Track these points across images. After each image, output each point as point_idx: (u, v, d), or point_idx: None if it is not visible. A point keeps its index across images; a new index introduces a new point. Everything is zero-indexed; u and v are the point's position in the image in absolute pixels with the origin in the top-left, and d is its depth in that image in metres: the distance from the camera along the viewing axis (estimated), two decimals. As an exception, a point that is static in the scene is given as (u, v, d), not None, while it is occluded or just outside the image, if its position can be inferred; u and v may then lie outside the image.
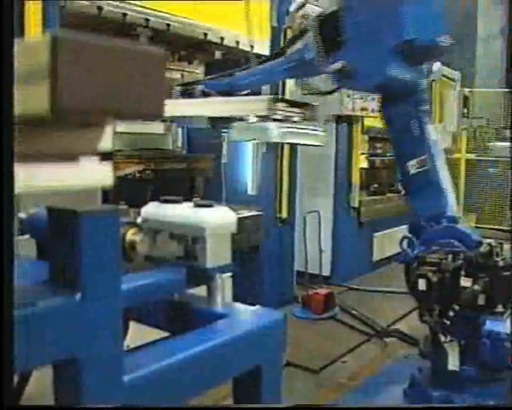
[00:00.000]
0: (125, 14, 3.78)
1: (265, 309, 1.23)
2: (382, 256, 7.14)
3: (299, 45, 3.10)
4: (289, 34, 5.21)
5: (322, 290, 5.47)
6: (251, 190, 5.27)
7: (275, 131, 3.39)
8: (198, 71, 4.89)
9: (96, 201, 2.99)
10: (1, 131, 0.79)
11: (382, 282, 6.29)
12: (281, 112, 3.40)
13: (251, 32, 4.20)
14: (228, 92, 3.76)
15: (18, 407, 1.02)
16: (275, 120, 3.40)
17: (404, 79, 3.09)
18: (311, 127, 3.66)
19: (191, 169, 4.83)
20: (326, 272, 6.24)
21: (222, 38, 4.56)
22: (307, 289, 5.59)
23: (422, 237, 3.21)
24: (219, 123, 3.76)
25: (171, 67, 4.66)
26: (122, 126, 5.04)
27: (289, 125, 3.49)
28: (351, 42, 2.98)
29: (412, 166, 3.26)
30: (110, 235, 0.89)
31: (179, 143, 5.55)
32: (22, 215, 1.14)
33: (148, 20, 3.94)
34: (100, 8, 3.60)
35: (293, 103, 3.40)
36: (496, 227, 9.31)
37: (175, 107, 4.01)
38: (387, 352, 4.51)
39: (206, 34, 4.43)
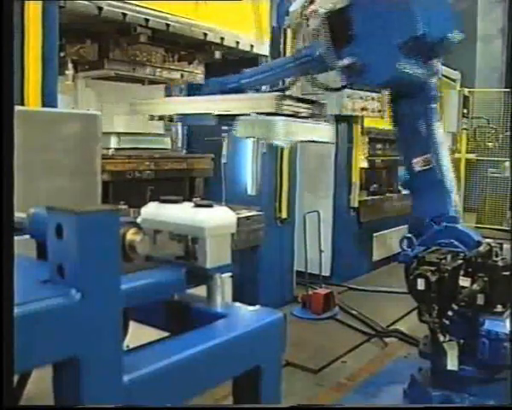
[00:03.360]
0: (124, 15, 3.78)
1: (265, 309, 1.23)
2: (382, 256, 7.14)
3: (307, 42, 3.10)
4: (289, 34, 5.23)
5: (322, 290, 5.46)
6: (251, 190, 5.27)
7: (281, 128, 3.34)
8: (198, 71, 4.89)
9: (95, 200, 3.00)
10: (1, 130, 0.79)
11: (382, 282, 6.29)
12: (288, 108, 3.35)
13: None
14: (234, 90, 3.70)
15: (18, 407, 1.02)
16: (284, 115, 3.34)
17: (413, 76, 3.05)
18: (319, 123, 3.59)
19: (191, 169, 4.83)
20: (326, 272, 6.24)
21: (222, 39, 4.56)
22: (307, 289, 5.59)
23: (422, 237, 3.21)
24: (226, 120, 3.69)
25: (171, 67, 4.66)
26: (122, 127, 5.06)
27: (298, 120, 3.42)
28: (360, 37, 2.95)
29: (417, 163, 3.23)
30: (110, 235, 0.89)
31: (179, 143, 5.55)
32: (22, 215, 1.14)
33: (147, 20, 3.94)
34: (100, 8, 3.60)
35: (300, 100, 3.35)
36: (496, 227, 9.31)
37: (180, 104, 3.98)
38: (387, 352, 4.51)
39: (206, 34, 4.43)
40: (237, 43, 4.72)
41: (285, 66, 3.55)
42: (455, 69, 9.73)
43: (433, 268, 2.88)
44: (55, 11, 3.28)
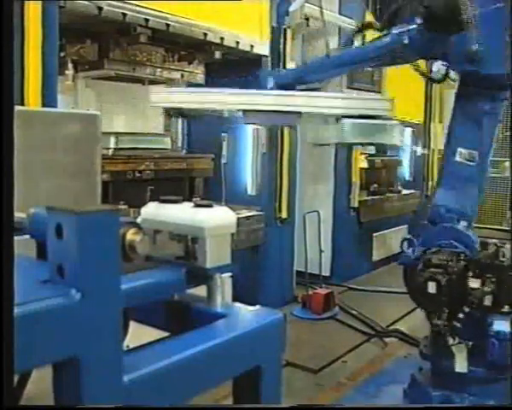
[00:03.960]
0: (124, 15, 3.78)
1: (265, 309, 1.23)
2: (382, 256, 7.14)
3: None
4: (289, 34, 5.23)
5: (322, 290, 5.46)
6: (251, 190, 5.27)
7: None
8: (198, 71, 4.89)
9: (95, 200, 3.00)
10: (1, 130, 0.79)
11: (382, 282, 6.29)
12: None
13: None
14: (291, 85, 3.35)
15: (18, 407, 1.02)
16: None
17: None
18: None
19: (191, 169, 4.83)
20: (326, 272, 6.24)
21: (222, 39, 4.56)
22: (307, 289, 5.59)
23: (422, 238, 3.20)
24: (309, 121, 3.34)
25: (171, 67, 4.66)
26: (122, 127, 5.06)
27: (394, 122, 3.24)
28: (476, 21, 2.64)
29: (460, 154, 3.10)
30: (110, 235, 0.89)
31: (179, 143, 5.55)
32: (22, 215, 1.14)
33: (147, 20, 3.94)
34: (100, 8, 3.60)
35: None
36: (496, 227, 9.31)
37: (248, 97, 3.50)
38: (387, 352, 4.51)
39: (206, 34, 4.43)
40: (237, 43, 4.72)
41: (367, 55, 3.28)
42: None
43: (441, 270, 2.84)
44: (55, 11, 3.28)
